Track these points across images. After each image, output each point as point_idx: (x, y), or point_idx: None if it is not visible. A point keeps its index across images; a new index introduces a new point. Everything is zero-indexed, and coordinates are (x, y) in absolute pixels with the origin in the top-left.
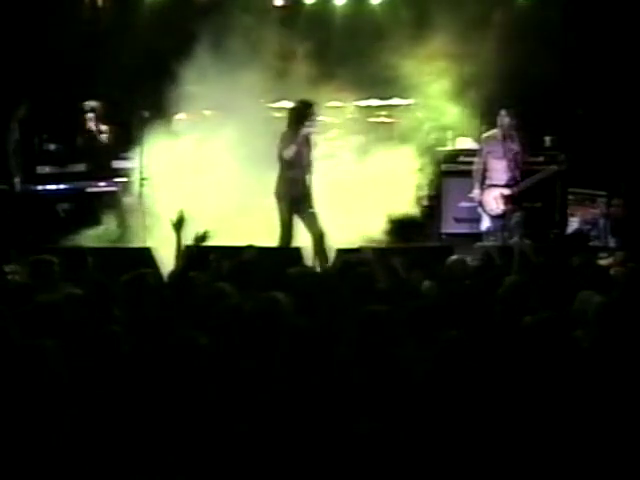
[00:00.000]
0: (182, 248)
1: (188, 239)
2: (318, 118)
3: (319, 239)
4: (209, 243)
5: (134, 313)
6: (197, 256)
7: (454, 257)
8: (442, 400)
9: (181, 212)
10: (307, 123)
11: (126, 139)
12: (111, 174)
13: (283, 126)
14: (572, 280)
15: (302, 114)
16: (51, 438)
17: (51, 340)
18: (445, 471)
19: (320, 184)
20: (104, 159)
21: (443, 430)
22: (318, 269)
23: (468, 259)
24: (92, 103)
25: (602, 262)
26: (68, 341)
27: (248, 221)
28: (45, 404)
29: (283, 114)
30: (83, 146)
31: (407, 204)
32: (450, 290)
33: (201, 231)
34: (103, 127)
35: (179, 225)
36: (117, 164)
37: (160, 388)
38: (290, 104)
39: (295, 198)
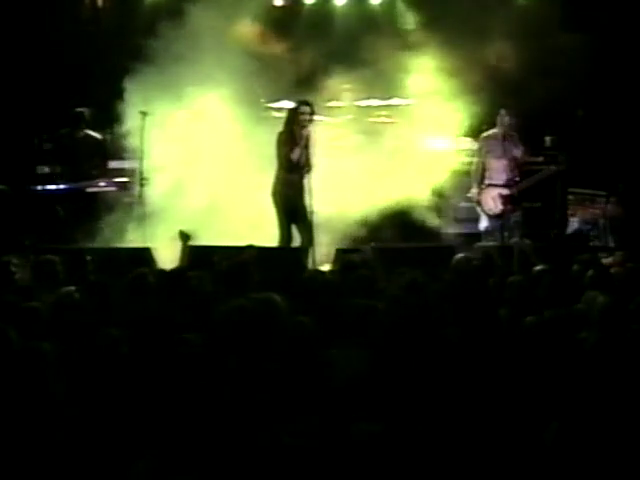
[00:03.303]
0: (186, 252)
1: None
2: (316, 118)
3: (307, 246)
4: (209, 243)
5: (135, 312)
6: (200, 257)
7: (460, 255)
8: (443, 401)
9: (189, 231)
10: (305, 123)
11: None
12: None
13: (279, 126)
14: (576, 280)
15: (300, 114)
16: (50, 438)
17: (48, 343)
18: (446, 473)
19: (321, 183)
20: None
21: (444, 432)
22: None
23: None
24: (83, 110)
25: (602, 262)
26: (68, 342)
27: (243, 218)
28: (43, 405)
29: (282, 114)
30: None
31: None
32: (455, 289)
33: (184, 230)
34: (92, 132)
35: (186, 237)
36: (115, 164)
37: (159, 388)
38: (289, 104)
39: (293, 200)
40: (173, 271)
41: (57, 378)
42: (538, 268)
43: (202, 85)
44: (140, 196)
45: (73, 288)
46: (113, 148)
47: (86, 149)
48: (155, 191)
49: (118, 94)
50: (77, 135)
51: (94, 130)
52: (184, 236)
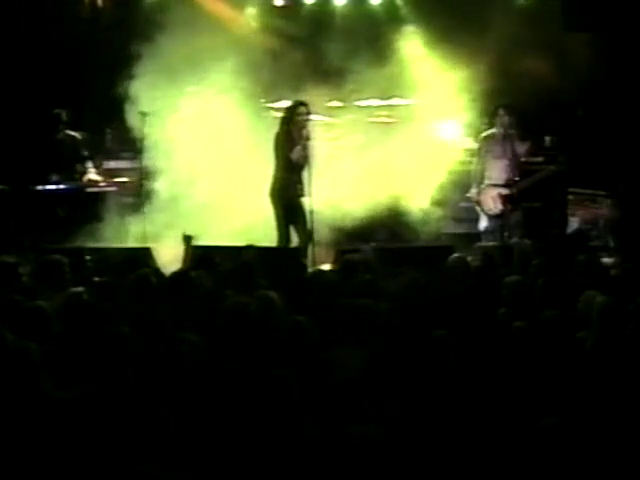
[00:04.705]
0: (189, 254)
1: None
2: (310, 117)
3: (305, 245)
4: (208, 243)
5: (139, 313)
6: (203, 258)
7: (455, 255)
8: (442, 402)
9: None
10: (302, 123)
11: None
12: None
13: (275, 126)
14: (577, 280)
15: (297, 114)
16: (50, 439)
17: (35, 344)
18: (444, 475)
19: (321, 183)
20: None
21: (444, 433)
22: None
23: (469, 259)
24: (62, 111)
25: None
26: (77, 342)
27: (242, 218)
28: (39, 404)
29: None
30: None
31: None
32: (450, 289)
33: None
34: (71, 132)
35: (189, 239)
36: (115, 164)
37: (162, 387)
38: (287, 104)
39: (292, 200)
40: (176, 272)
41: (46, 377)
42: (535, 262)
43: (202, 86)
44: (140, 196)
45: (81, 289)
46: (113, 148)
47: (66, 149)
48: (155, 190)
49: (117, 94)
50: (57, 136)
51: (91, 129)
52: (187, 238)
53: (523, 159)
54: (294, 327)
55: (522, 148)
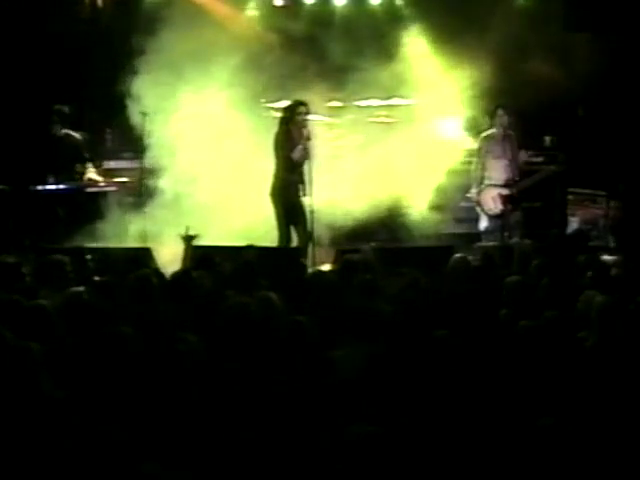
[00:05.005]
0: (189, 254)
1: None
2: (310, 117)
3: (305, 245)
4: (210, 243)
5: (139, 313)
6: (203, 258)
7: (457, 255)
8: (443, 402)
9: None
10: (302, 123)
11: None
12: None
13: (274, 126)
14: (577, 280)
15: (297, 114)
16: (47, 439)
17: (36, 343)
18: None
19: (322, 183)
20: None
21: (441, 433)
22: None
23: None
24: (63, 107)
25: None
26: (78, 341)
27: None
28: (36, 403)
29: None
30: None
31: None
32: (452, 289)
33: (188, 232)
34: (72, 132)
35: (190, 239)
36: (117, 164)
37: (162, 387)
38: (286, 104)
39: (292, 199)
40: (177, 272)
41: (46, 377)
42: (535, 262)
43: (202, 86)
44: (140, 195)
45: (82, 288)
46: (113, 147)
47: (66, 148)
48: (155, 189)
49: (117, 92)
50: (56, 133)
51: (91, 129)
52: (187, 238)
53: (517, 154)
54: (294, 327)
55: (523, 155)
